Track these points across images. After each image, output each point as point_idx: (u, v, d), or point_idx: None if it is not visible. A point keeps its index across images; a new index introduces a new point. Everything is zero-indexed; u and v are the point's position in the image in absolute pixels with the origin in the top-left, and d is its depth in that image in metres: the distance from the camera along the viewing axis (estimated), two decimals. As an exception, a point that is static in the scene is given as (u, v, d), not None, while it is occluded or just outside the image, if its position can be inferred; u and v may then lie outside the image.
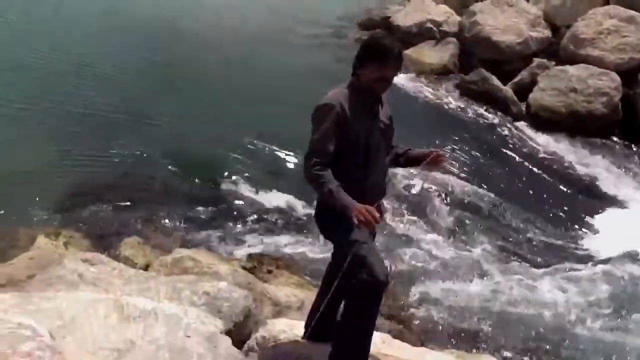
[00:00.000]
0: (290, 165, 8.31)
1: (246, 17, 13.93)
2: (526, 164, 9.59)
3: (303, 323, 3.55)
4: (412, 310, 6.12)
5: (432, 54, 12.44)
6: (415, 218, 7.64)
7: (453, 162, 8.70)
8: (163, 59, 10.96)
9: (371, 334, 3.18)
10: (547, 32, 12.04)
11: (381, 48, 3.14)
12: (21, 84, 9.40)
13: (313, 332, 3.41)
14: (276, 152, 8.54)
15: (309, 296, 4.70)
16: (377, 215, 2.94)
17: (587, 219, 8.40)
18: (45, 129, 8.29)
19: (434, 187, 8.21)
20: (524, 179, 9.24)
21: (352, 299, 3.03)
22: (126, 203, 7.04)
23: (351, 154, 3.09)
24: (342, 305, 3.12)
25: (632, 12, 11.26)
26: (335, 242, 3.32)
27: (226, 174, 7.81)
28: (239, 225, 6.98)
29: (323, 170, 3.00)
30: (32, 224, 6.33)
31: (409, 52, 12.56)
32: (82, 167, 7.64)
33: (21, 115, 8.54)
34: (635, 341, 6.09)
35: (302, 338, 3.50)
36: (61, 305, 3.16)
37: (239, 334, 3.91)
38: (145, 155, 7.96)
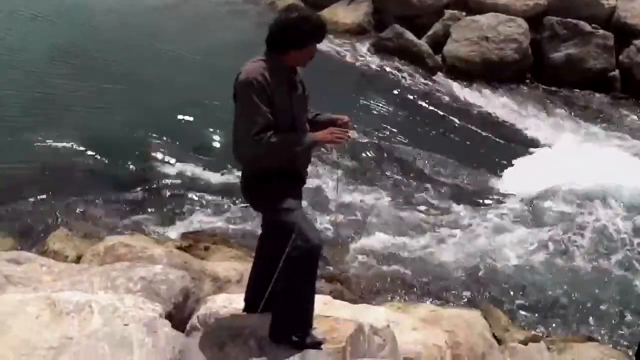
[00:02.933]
0: (213, 139, 8.23)
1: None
2: (445, 114, 9.91)
3: (243, 296, 3.58)
4: (351, 269, 6.29)
5: (346, 14, 12.42)
6: (346, 179, 7.75)
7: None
8: (75, 45, 10.39)
9: (312, 299, 3.25)
10: (456, -17, 12.24)
11: (311, 28, 3.15)
12: None
13: (251, 303, 3.45)
14: (198, 129, 8.40)
15: (248, 268, 4.67)
16: (342, 131, 3.20)
17: (508, 161, 8.80)
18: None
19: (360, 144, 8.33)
20: (445, 129, 9.58)
21: (288, 266, 3.08)
22: (50, 195, 6.77)
23: (277, 126, 3.10)
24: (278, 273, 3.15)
25: (533, -42, 11.60)
26: (264, 212, 3.35)
27: (150, 155, 7.64)
28: (170, 206, 6.89)
29: (275, 135, 3.03)
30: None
31: (323, 13, 12.42)
32: (-2, 160, 7.25)
33: None
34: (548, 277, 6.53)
35: (243, 311, 3.54)
36: (-12, 310, 3.04)
37: (180, 315, 3.91)
38: (63, 144, 7.65)
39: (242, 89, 3.08)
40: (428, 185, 7.97)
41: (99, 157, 7.54)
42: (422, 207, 7.52)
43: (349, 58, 11.17)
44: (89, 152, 7.59)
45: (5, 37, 10.45)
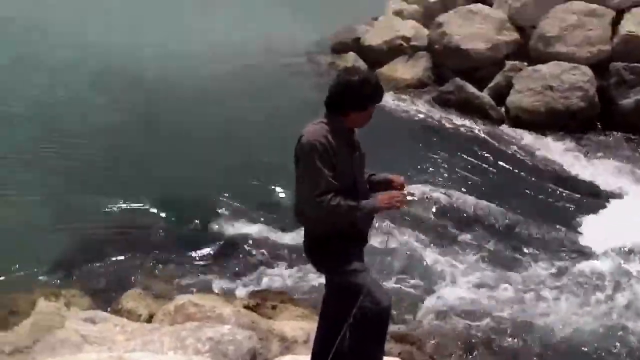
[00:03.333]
0: (279, 198, 8.35)
1: (221, 57, 14.02)
2: (513, 166, 9.70)
3: (309, 357, 3.55)
4: (422, 329, 6.07)
5: (405, 70, 12.62)
6: (410, 232, 7.65)
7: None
8: (143, 108, 11.00)
9: None
10: (515, 35, 12.25)
11: (373, 96, 3.24)
12: (8, 136, 9.46)
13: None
14: (264, 187, 8.59)
15: (314, 328, 4.67)
16: (402, 194, 3.26)
17: (583, 214, 8.43)
18: (34, 184, 8.28)
19: (428, 199, 8.24)
20: (513, 181, 9.34)
21: (357, 328, 3.05)
22: (124, 255, 7.01)
23: (339, 188, 3.13)
24: (347, 334, 3.13)
25: (593, 6, 11.54)
26: (327, 274, 3.35)
27: (218, 214, 7.85)
28: (238, 264, 6.99)
29: (336, 198, 3.07)
30: (31, 287, 6.27)
31: (383, 70, 12.75)
32: (76, 222, 7.60)
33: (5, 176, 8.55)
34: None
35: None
36: (67, 370, 3.15)
37: (248, 375, 3.92)
38: (137, 205, 7.97)
39: (305, 152, 3.12)
40: (501, 241, 7.71)
41: (169, 217, 7.80)
42: (497, 263, 7.24)
43: (410, 113, 11.25)
44: (160, 212, 7.87)
45: (78, 103, 11.15)
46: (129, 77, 12.39)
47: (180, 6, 19.43)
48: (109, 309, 5.59)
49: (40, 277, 6.57)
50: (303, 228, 3.40)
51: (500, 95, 11.41)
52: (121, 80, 12.26)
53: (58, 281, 6.50)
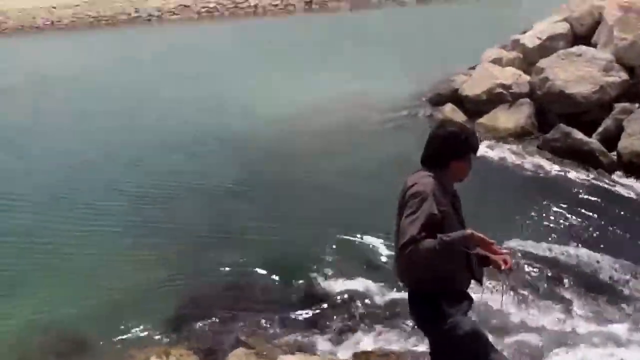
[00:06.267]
0: (382, 255, 8.22)
1: (322, 113, 14.44)
2: (630, 216, 8.99)
3: None
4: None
5: (507, 118, 12.29)
6: (523, 289, 7.26)
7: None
8: (250, 167, 11.52)
9: None
10: (624, 75, 11.63)
11: (471, 143, 3.34)
12: (119, 202, 10.18)
13: None
14: (366, 243, 8.53)
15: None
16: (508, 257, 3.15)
17: None
18: (143, 247, 8.77)
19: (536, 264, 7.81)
20: (632, 234, 8.63)
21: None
22: (229, 313, 7.19)
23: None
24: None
25: None
26: (431, 335, 3.27)
27: (320, 271, 7.87)
28: (341, 323, 6.91)
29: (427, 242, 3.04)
30: (145, 344, 6.57)
31: (483, 120, 12.53)
32: (184, 282, 7.94)
33: (120, 233, 9.16)
34: None
35: None
36: None
37: None
38: (241, 264, 8.19)
39: (411, 199, 3.14)
40: (625, 300, 7.07)
41: (273, 275, 7.91)
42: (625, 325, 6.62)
43: (514, 162, 10.87)
44: (264, 270, 8.01)
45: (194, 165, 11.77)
46: (241, 135, 13.15)
47: (279, 67, 20.49)
48: (215, 369, 5.69)
49: (153, 336, 6.84)
50: (407, 285, 3.40)
51: (611, 140, 10.76)
52: (234, 139, 13.07)
53: (168, 339, 6.73)
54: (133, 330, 6.89)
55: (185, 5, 55.48)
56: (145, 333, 6.89)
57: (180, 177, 11.28)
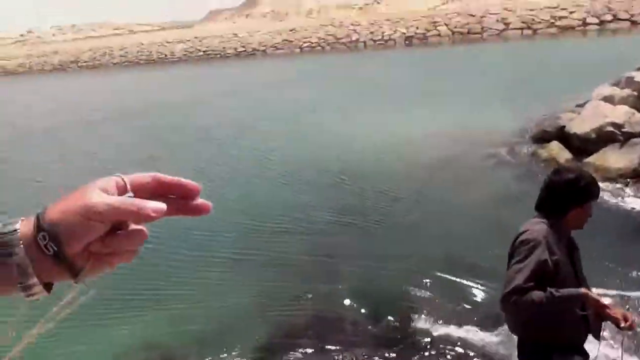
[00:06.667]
0: (483, 298, 7.86)
1: (423, 148, 14.34)
2: None
3: None
4: None
5: (618, 158, 11.57)
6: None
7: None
8: (348, 200, 11.54)
9: None
10: None
11: (591, 190, 3.14)
12: (230, 233, 10.47)
13: None
14: (465, 285, 8.17)
15: None
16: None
17: None
18: (244, 275, 8.97)
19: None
20: None
21: None
22: (319, 347, 7.10)
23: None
24: None
25: None
26: None
27: (414, 309, 7.62)
28: (430, 365, 6.64)
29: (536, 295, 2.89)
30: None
31: (591, 159, 11.87)
32: (275, 308, 7.99)
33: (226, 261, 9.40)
34: None
35: None
36: None
37: None
38: (334, 296, 8.11)
39: (524, 246, 2.99)
40: None
41: (363, 310, 7.77)
42: None
43: (626, 205, 10.16)
44: (355, 304, 7.89)
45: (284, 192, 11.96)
46: (346, 167, 13.26)
47: (373, 101, 20.71)
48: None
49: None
50: (514, 332, 3.22)
51: None
52: (337, 171, 13.23)
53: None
54: (223, 356, 6.98)
55: (288, 41, 57.54)
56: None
57: (284, 209, 11.48)
